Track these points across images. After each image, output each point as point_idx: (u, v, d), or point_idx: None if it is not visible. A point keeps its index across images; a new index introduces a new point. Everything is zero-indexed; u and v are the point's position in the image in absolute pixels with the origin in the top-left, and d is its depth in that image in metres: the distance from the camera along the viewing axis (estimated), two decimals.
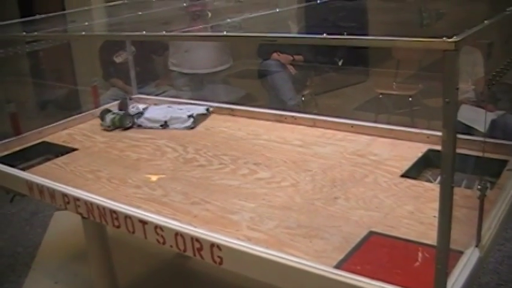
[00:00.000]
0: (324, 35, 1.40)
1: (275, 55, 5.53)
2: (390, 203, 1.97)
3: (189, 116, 3.08)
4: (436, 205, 1.40)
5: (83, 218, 2.34)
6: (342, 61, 5.94)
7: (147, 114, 3.15)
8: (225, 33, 1.83)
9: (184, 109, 3.20)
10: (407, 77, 5.94)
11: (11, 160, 2.85)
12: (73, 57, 7.41)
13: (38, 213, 4.49)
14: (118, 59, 5.15)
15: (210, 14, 3.25)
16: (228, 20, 2.11)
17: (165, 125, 3.06)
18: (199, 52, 4.80)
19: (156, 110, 3.23)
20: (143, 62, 5.13)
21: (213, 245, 1.76)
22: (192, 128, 3.03)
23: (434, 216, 1.79)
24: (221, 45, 4.81)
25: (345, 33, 1.43)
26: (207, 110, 3.21)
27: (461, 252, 1.59)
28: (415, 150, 2.40)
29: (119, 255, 2.81)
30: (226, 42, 4.69)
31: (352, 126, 2.70)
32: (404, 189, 2.08)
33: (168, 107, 3.29)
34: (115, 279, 2.71)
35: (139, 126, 3.11)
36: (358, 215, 1.91)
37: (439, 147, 1.36)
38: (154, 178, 2.40)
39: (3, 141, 3.08)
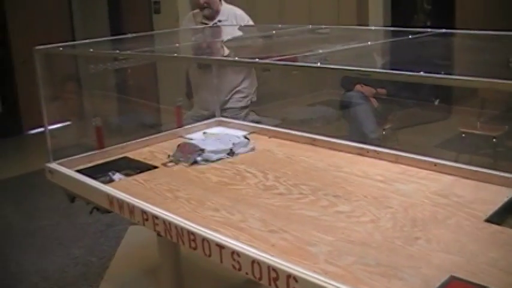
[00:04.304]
0: (421, 73, 1.38)
1: (358, 87, 5.51)
2: (473, 249, 1.90)
3: (246, 138, 3.13)
4: None
5: (159, 235, 2.37)
6: (438, 101, 5.84)
7: (209, 147, 3.05)
8: (318, 64, 1.83)
9: (227, 136, 3.22)
10: (492, 117, 5.79)
11: (93, 172, 2.92)
12: (157, 76, 7.59)
13: (113, 226, 4.58)
14: None
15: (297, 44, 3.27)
16: (320, 51, 2.11)
17: (231, 153, 3.03)
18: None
19: (213, 141, 3.18)
20: None
21: (289, 275, 1.74)
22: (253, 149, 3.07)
23: None
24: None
25: (443, 72, 1.41)
26: (245, 136, 3.22)
27: None
28: (500, 195, 2.32)
29: (189, 274, 2.83)
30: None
31: (435, 165, 2.63)
32: (488, 235, 2.00)
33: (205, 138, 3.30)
34: None
35: (206, 161, 2.98)
36: (439, 257, 1.85)
37: None
38: (233, 202, 2.40)
39: (88, 153, 3.16)
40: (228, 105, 4.38)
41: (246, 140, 3.15)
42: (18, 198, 5.59)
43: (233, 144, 3.08)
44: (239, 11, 4.44)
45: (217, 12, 4.35)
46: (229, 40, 3.04)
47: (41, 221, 4.88)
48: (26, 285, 3.85)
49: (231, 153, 3.03)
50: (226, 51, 3.00)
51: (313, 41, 3.12)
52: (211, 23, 4.30)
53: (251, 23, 4.40)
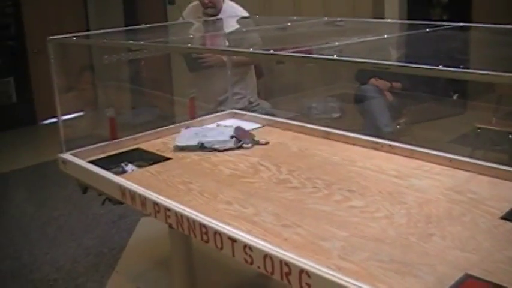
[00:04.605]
0: (440, 66, 1.35)
1: (373, 80, 5.46)
2: (488, 246, 1.87)
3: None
4: None
5: (171, 228, 2.36)
6: (457, 95, 5.79)
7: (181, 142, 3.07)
8: (334, 56, 1.81)
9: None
10: (508, 113, 5.73)
11: (106, 163, 2.91)
12: (171, 67, 7.58)
13: (125, 217, 4.58)
14: None
15: (312, 37, 3.24)
16: (336, 44, 2.09)
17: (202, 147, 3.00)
18: None
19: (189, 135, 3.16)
20: None
21: (302, 270, 1.72)
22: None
23: None
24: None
25: (461, 66, 1.38)
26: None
27: None
28: None
29: (200, 266, 2.81)
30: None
31: (450, 161, 2.60)
32: (504, 233, 1.97)
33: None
34: None
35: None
36: (454, 255, 1.82)
37: None
38: (246, 196, 2.38)
39: (100, 144, 3.15)
40: (224, 107, 4.33)
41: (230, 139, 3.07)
42: (31, 188, 5.61)
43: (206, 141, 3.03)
44: (240, 10, 4.36)
45: (219, 10, 4.28)
46: (243, 32, 3.02)
47: (54, 211, 4.89)
48: (38, 276, 3.86)
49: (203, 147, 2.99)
50: (241, 43, 2.98)
51: (329, 34, 3.09)
52: None
53: None
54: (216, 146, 3.00)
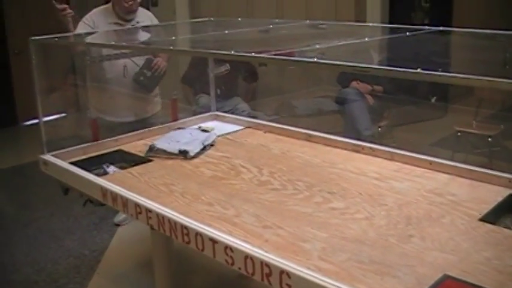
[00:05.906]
0: (419, 70, 1.37)
1: (354, 83, 5.48)
2: (467, 247, 1.90)
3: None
4: None
5: (152, 229, 2.36)
6: (435, 98, 5.82)
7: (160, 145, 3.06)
8: (315, 59, 1.82)
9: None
10: (488, 116, 5.78)
11: (87, 165, 2.91)
12: None
13: (106, 218, 4.56)
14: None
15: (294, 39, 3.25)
16: (317, 46, 2.10)
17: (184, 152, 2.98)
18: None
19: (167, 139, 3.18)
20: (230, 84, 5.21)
21: (282, 271, 1.73)
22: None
23: None
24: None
25: (440, 69, 1.40)
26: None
27: None
28: (495, 194, 2.31)
29: (182, 267, 2.82)
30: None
31: (430, 163, 2.62)
32: (482, 234, 2.00)
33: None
34: None
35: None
36: (433, 256, 1.85)
37: None
38: (227, 197, 2.39)
39: (82, 145, 3.14)
40: (152, 112, 4.38)
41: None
42: (12, 190, 5.57)
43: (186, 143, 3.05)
44: (149, 13, 4.36)
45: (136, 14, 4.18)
46: (226, 34, 3.02)
47: (35, 213, 4.86)
48: (19, 277, 3.83)
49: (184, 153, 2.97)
50: (224, 45, 2.98)
51: (311, 37, 3.11)
52: (128, 25, 4.08)
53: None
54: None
